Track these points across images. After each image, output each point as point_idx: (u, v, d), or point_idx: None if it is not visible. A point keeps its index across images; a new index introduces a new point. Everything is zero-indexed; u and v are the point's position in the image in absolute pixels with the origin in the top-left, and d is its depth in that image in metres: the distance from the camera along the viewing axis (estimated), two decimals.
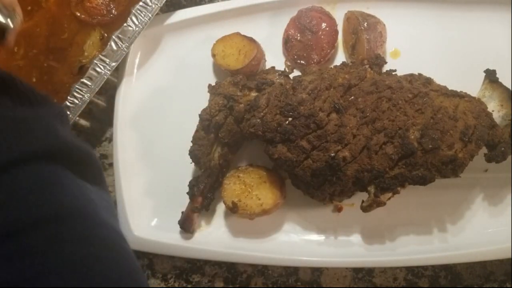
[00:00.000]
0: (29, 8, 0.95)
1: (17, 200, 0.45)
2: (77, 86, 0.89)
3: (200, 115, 0.86)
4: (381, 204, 0.76)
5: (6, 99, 0.51)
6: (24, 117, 0.51)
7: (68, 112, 0.89)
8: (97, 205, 0.53)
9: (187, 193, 0.87)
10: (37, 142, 0.50)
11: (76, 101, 0.90)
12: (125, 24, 0.90)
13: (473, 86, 0.82)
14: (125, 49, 0.90)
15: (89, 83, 0.90)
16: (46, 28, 0.94)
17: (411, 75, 0.81)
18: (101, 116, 1.00)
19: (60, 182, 0.50)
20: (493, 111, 0.79)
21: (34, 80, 0.93)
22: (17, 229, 0.44)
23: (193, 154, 0.86)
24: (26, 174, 0.47)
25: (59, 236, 0.45)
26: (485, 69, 0.82)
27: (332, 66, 0.86)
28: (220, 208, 0.91)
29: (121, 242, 0.53)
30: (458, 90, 0.80)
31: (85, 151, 0.57)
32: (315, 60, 0.90)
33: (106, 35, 0.93)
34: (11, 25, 0.62)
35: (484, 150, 0.78)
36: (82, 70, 0.91)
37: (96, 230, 0.49)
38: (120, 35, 0.90)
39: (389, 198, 0.77)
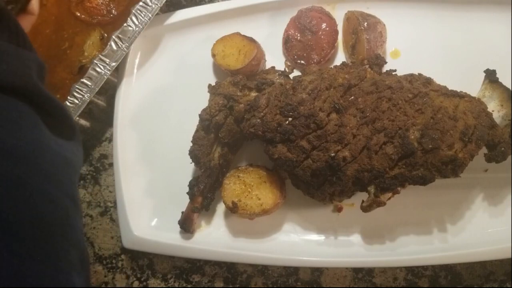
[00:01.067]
0: None
1: None
2: (77, 86, 0.89)
3: (200, 115, 0.86)
4: (381, 204, 0.76)
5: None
6: (9, 51, 0.52)
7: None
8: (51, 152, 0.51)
9: (187, 193, 0.87)
10: (15, 76, 0.50)
11: (76, 101, 0.90)
12: (125, 24, 0.90)
13: (473, 86, 0.82)
14: (125, 49, 0.91)
15: (89, 83, 0.90)
16: (45, 28, 0.94)
17: (411, 75, 0.81)
18: (101, 116, 1.01)
19: (15, 118, 0.49)
20: (493, 111, 0.79)
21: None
22: None
23: (193, 154, 0.86)
24: None
25: None
26: (485, 69, 0.82)
27: (332, 66, 0.86)
28: (220, 208, 0.91)
29: (64, 200, 0.50)
30: (458, 90, 0.80)
31: (58, 104, 0.56)
32: (315, 60, 0.90)
33: (106, 35, 0.93)
34: None
35: (484, 150, 0.78)
36: (82, 70, 0.91)
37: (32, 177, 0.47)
38: (120, 35, 0.90)
39: (389, 198, 0.77)
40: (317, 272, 0.91)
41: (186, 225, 0.87)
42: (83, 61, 0.92)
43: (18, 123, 0.48)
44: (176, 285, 0.94)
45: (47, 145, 0.51)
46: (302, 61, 0.91)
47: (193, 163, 0.88)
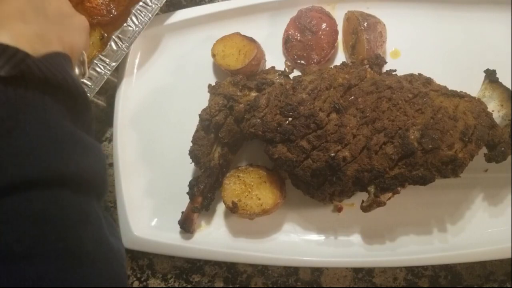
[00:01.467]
0: None
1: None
2: None
3: (200, 115, 0.86)
4: (381, 204, 0.76)
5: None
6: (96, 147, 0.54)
7: None
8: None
9: (187, 193, 0.87)
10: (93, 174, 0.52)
11: None
12: (125, 24, 0.90)
13: (473, 86, 0.82)
14: (125, 49, 0.91)
15: (89, 83, 0.90)
16: None
17: (411, 75, 0.81)
18: (101, 116, 1.01)
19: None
20: (493, 111, 0.79)
21: None
22: None
23: (193, 154, 0.86)
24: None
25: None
26: (485, 69, 0.82)
27: (332, 66, 0.86)
28: (220, 208, 0.91)
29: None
30: (458, 90, 0.80)
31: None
32: (315, 60, 0.90)
33: (106, 35, 0.93)
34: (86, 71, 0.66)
35: (484, 150, 0.78)
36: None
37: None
38: (120, 35, 0.90)
39: (389, 198, 0.77)
40: (317, 272, 0.91)
41: (186, 225, 0.87)
42: None
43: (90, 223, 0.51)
44: (176, 285, 0.94)
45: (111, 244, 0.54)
46: (302, 61, 0.91)
47: (193, 163, 0.88)
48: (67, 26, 0.62)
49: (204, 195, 0.87)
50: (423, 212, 0.86)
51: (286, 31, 0.93)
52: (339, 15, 0.92)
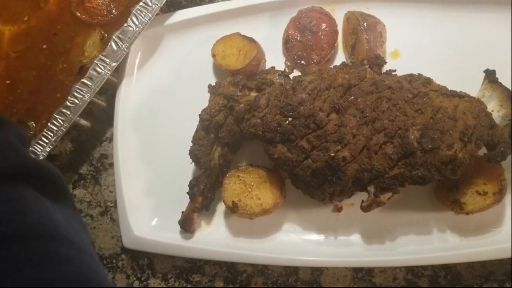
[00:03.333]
0: (29, 5, 0.95)
1: None
2: (77, 86, 0.90)
3: (200, 115, 0.86)
4: (381, 204, 0.77)
5: None
6: None
7: (69, 112, 0.90)
8: (60, 224, 0.56)
9: (187, 193, 0.87)
10: (2, 162, 0.54)
11: (76, 101, 0.90)
12: (125, 24, 0.90)
13: (473, 86, 0.82)
14: (125, 49, 0.91)
15: (89, 83, 0.90)
16: (46, 28, 0.94)
17: (411, 75, 0.81)
18: (101, 116, 1.01)
19: (24, 203, 0.54)
20: (492, 111, 0.79)
21: (27, 80, 0.93)
22: None
23: (193, 154, 0.86)
24: None
25: (19, 256, 0.49)
26: (485, 69, 0.82)
27: (332, 66, 0.86)
28: (220, 208, 0.91)
29: (82, 258, 0.55)
30: (458, 90, 0.80)
31: (47, 169, 0.61)
32: (315, 60, 0.91)
33: (106, 35, 0.93)
34: None
35: (484, 150, 0.78)
36: (82, 70, 0.91)
37: (55, 249, 0.52)
38: (120, 35, 0.90)
39: (389, 198, 0.77)
40: (317, 272, 0.91)
41: (186, 225, 0.87)
42: (84, 61, 0.93)
43: (30, 207, 0.54)
44: (176, 285, 0.94)
45: (52, 217, 0.56)
46: (302, 61, 0.91)
47: (193, 163, 0.88)
48: None
49: (204, 195, 0.87)
50: (423, 212, 0.86)
51: (286, 31, 0.93)
52: (339, 15, 0.92)
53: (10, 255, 0.49)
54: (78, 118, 0.93)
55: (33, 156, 0.61)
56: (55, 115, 0.89)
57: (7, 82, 0.93)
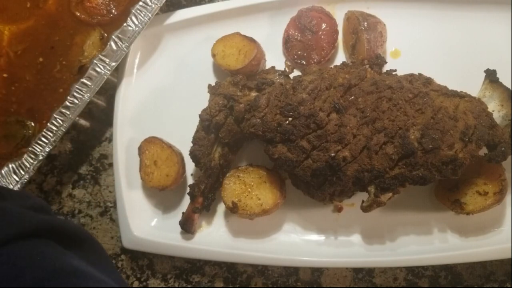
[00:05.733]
0: (28, 5, 0.95)
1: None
2: (77, 86, 0.89)
3: (200, 115, 0.86)
4: (381, 204, 0.76)
5: None
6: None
7: (68, 112, 0.89)
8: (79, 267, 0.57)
9: (188, 193, 0.87)
10: (10, 226, 0.57)
11: (76, 101, 0.89)
12: (125, 24, 0.90)
13: (473, 86, 0.82)
14: (125, 49, 0.90)
15: (89, 83, 0.90)
16: (45, 28, 0.94)
17: (411, 75, 0.81)
18: (101, 116, 1.00)
19: (39, 252, 0.56)
20: (493, 111, 0.79)
21: (27, 79, 0.93)
22: None
23: (193, 154, 0.86)
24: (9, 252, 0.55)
25: None
26: (485, 69, 0.82)
27: (332, 66, 0.86)
28: (221, 208, 0.91)
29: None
30: (458, 90, 0.80)
31: (77, 228, 0.64)
32: (315, 60, 0.90)
33: (106, 35, 0.93)
34: None
35: (484, 150, 0.78)
36: (82, 70, 0.91)
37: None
38: (120, 35, 0.90)
39: (389, 198, 0.77)
40: (317, 272, 0.91)
41: (187, 226, 0.87)
42: (83, 61, 0.92)
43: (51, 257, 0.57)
44: (176, 285, 0.94)
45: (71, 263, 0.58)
46: (302, 61, 0.91)
47: (193, 163, 0.88)
48: None
49: (204, 195, 0.87)
50: (423, 212, 0.86)
51: (286, 31, 0.93)
52: (339, 15, 0.91)
53: None
54: (77, 118, 0.93)
55: (53, 218, 0.63)
56: (55, 115, 0.89)
57: (4, 75, 0.93)
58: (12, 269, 0.53)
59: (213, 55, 0.91)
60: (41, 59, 0.93)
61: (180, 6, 1.01)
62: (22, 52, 0.94)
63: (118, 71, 0.95)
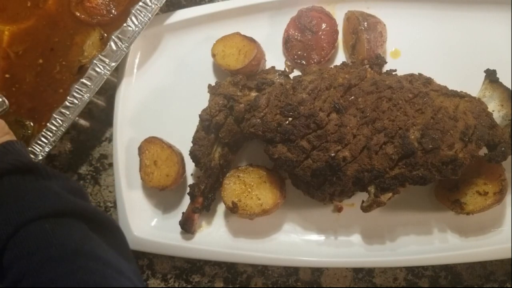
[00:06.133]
0: (29, 4, 0.95)
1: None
2: (76, 86, 0.89)
3: (200, 115, 0.86)
4: (381, 204, 0.76)
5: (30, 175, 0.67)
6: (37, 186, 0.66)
7: (68, 112, 0.89)
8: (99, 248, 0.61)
9: (188, 193, 0.87)
10: (44, 205, 0.62)
11: (76, 101, 0.89)
12: (125, 24, 0.90)
13: (473, 86, 0.82)
14: (125, 49, 0.90)
15: (88, 83, 0.90)
16: (45, 29, 0.94)
17: (411, 75, 0.81)
18: (101, 116, 1.00)
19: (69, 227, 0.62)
20: (493, 111, 0.79)
21: (27, 80, 0.93)
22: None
23: (193, 154, 0.86)
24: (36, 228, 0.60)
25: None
26: (485, 69, 0.82)
27: (332, 66, 0.86)
28: (221, 208, 0.91)
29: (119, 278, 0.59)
30: (458, 90, 0.80)
31: (106, 217, 0.67)
32: (315, 60, 0.90)
33: (106, 35, 0.92)
34: None
35: (484, 150, 0.78)
36: (81, 70, 0.91)
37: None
38: (120, 35, 0.90)
39: (389, 198, 0.77)
40: (317, 272, 0.91)
41: (187, 226, 0.87)
42: (83, 61, 0.92)
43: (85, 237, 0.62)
44: (176, 285, 0.94)
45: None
46: (302, 61, 0.91)
47: (193, 163, 0.88)
48: None
49: (204, 195, 0.87)
50: (423, 212, 0.86)
51: (286, 31, 0.93)
52: (339, 15, 0.91)
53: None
54: (77, 118, 0.93)
55: (84, 203, 0.68)
56: (54, 115, 0.89)
57: (6, 76, 0.93)
58: (38, 241, 0.59)
59: (213, 55, 0.91)
60: (41, 61, 0.93)
61: (180, 6, 1.01)
62: (23, 53, 0.93)
63: (118, 71, 0.95)
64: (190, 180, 0.93)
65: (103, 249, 0.61)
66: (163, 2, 0.90)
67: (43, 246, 0.58)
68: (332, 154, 0.75)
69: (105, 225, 0.66)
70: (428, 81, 0.80)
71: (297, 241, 0.88)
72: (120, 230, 0.70)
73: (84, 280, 0.55)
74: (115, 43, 0.90)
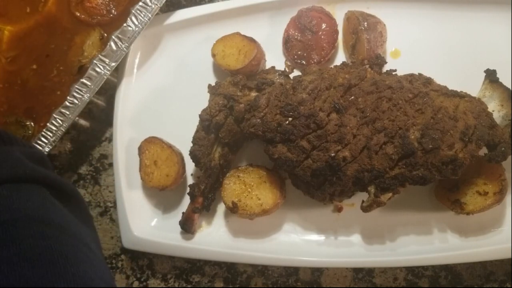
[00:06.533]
0: (28, 10, 0.94)
1: None
2: (76, 86, 0.89)
3: (200, 115, 0.86)
4: (381, 204, 0.76)
5: None
6: None
7: (68, 112, 0.89)
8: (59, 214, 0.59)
9: (188, 193, 0.87)
10: (5, 170, 0.59)
11: (76, 101, 0.89)
12: (124, 24, 0.90)
13: (473, 86, 0.82)
14: (124, 49, 0.90)
15: (88, 83, 0.90)
16: (42, 35, 0.94)
17: (411, 75, 0.81)
18: (101, 116, 1.00)
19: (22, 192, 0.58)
20: (493, 111, 0.79)
21: (18, 82, 0.93)
22: None
23: (193, 154, 0.86)
24: None
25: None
26: (485, 69, 0.82)
27: (332, 66, 0.86)
28: (221, 208, 0.91)
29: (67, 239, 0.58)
30: (458, 90, 0.80)
31: (67, 184, 0.65)
32: (315, 60, 0.90)
33: (106, 35, 0.92)
34: None
35: (484, 150, 0.78)
36: (81, 70, 0.91)
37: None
38: (120, 35, 0.90)
39: (389, 198, 0.77)
40: (317, 272, 0.91)
41: (187, 226, 0.87)
42: (83, 61, 0.92)
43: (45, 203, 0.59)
44: (176, 285, 0.94)
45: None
46: (302, 61, 0.91)
47: (193, 163, 0.88)
48: None
49: (204, 195, 0.87)
50: (423, 212, 0.86)
51: (286, 31, 0.93)
52: (339, 14, 0.91)
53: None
54: (77, 118, 0.93)
55: (46, 171, 0.65)
56: (54, 115, 0.89)
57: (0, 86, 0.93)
58: None
59: (213, 55, 0.91)
60: (34, 66, 0.93)
61: (180, 6, 1.01)
62: (14, 59, 0.93)
63: (118, 71, 0.95)
64: (190, 180, 0.93)
65: (62, 215, 0.59)
66: (163, 2, 0.90)
67: None
68: (332, 154, 0.75)
69: (67, 192, 0.64)
70: (428, 81, 0.80)
71: (297, 241, 0.88)
72: (81, 197, 0.68)
73: (38, 246, 0.53)
74: (115, 43, 0.90)
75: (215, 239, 0.89)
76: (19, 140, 0.67)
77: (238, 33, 0.90)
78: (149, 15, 0.90)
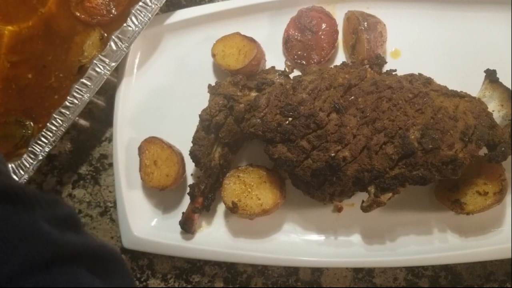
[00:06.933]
0: (28, 10, 0.95)
1: None
2: (76, 86, 0.89)
3: (200, 115, 0.86)
4: (381, 204, 0.76)
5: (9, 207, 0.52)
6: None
7: (68, 112, 0.89)
8: None
9: (188, 193, 0.87)
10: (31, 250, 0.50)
11: (76, 101, 0.89)
12: (125, 24, 0.90)
13: (473, 86, 0.82)
14: (124, 49, 0.90)
15: (88, 83, 0.90)
16: (47, 26, 0.94)
17: (411, 75, 0.81)
18: (101, 116, 1.00)
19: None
20: (493, 111, 0.79)
21: (19, 83, 0.93)
22: None
23: (193, 154, 0.86)
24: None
25: None
26: (485, 69, 0.82)
27: (332, 66, 0.86)
28: (221, 208, 0.91)
29: None
30: (458, 90, 0.80)
31: (103, 249, 0.57)
32: (315, 60, 0.90)
33: (106, 35, 0.93)
34: None
35: (484, 150, 0.78)
36: (81, 70, 0.91)
37: None
38: (120, 35, 0.90)
39: (389, 198, 0.77)
40: (317, 272, 0.91)
41: (187, 226, 0.87)
42: (83, 61, 0.92)
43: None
44: (176, 285, 0.94)
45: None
46: (302, 61, 0.91)
47: (193, 163, 0.88)
48: None
49: (204, 195, 0.87)
50: (423, 212, 0.86)
51: (286, 31, 0.93)
52: (339, 15, 0.91)
53: None
54: (77, 118, 0.93)
55: (78, 239, 0.57)
56: (54, 115, 0.89)
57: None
58: None
59: (213, 55, 0.91)
60: (30, 76, 0.93)
61: (180, 6, 1.01)
62: (17, 63, 0.93)
63: (118, 71, 0.95)
64: (190, 180, 0.93)
65: None
66: (163, 2, 0.90)
67: None
68: (332, 154, 0.75)
69: (106, 257, 0.57)
70: (428, 81, 0.80)
71: (297, 241, 0.88)
72: (123, 262, 0.60)
73: None
74: (115, 43, 0.90)
75: (215, 239, 0.89)
76: (42, 199, 0.56)
77: (238, 33, 0.90)
78: (149, 15, 0.90)
